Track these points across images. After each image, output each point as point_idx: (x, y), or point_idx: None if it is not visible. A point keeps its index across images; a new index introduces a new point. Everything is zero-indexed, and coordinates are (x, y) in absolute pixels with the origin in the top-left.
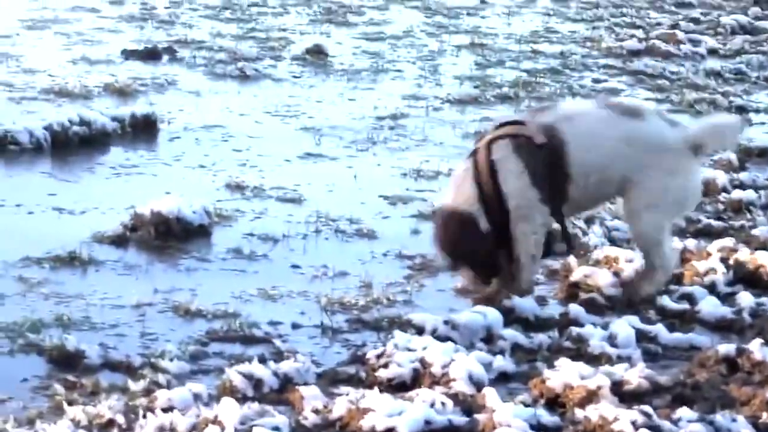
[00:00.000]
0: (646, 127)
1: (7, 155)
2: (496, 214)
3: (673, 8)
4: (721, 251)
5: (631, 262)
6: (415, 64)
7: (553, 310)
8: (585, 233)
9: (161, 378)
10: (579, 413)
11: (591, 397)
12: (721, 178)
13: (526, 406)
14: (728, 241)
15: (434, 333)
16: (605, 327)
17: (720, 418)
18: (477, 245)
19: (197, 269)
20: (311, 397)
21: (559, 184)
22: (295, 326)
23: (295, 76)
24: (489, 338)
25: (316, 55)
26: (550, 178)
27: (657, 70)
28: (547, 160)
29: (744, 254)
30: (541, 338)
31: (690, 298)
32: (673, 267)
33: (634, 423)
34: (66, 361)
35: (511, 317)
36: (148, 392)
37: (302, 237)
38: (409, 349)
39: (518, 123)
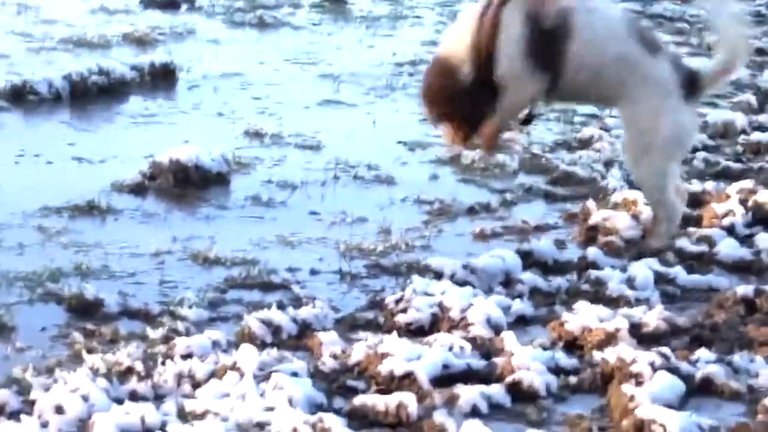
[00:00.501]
0: (650, 64)
1: (27, 105)
2: (483, 71)
3: None
4: (739, 193)
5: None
6: (434, 10)
7: (572, 253)
8: (603, 176)
9: (180, 325)
10: (597, 356)
11: (609, 339)
12: (740, 120)
13: (545, 349)
14: (747, 183)
15: (452, 277)
16: (624, 270)
17: (738, 358)
18: (456, 97)
19: (216, 217)
20: (330, 342)
21: (550, 70)
22: (314, 272)
23: (313, 24)
24: (507, 282)
25: (335, 2)
26: (545, 59)
27: (677, 13)
28: (550, 40)
29: (763, 196)
30: (559, 281)
31: (708, 240)
32: (679, 215)
33: (652, 364)
34: (85, 310)
35: (529, 261)
36: (166, 340)
37: (321, 184)
38: (428, 294)
39: None
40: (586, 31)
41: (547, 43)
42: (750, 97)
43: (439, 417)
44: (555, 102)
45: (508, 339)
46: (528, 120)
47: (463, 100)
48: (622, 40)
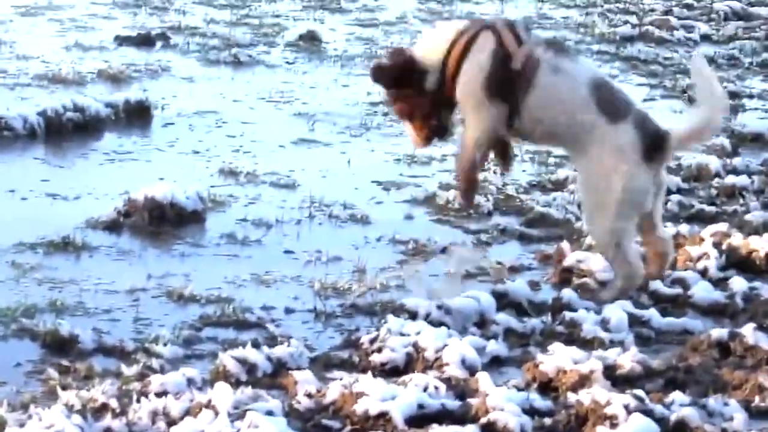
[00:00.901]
0: (609, 129)
1: (1, 141)
2: (447, 87)
3: None
4: (714, 236)
5: None
6: None
7: (546, 294)
8: (578, 218)
9: (155, 363)
10: (572, 397)
11: (584, 381)
12: (714, 163)
13: (519, 390)
14: (721, 226)
15: (427, 318)
16: (598, 311)
17: (712, 401)
18: (418, 99)
19: (191, 254)
20: (305, 381)
21: (508, 107)
22: (289, 311)
23: (288, 62)
24: (482, 323)
25: (310, 41)
26: (503, 96)
27: (650, 56)
28: (511, 83)
29: (737, 239)
30: (534, 323)
31: (683, 283)
32: (638, 274)
33: (626, 407)
34: (60, 346)
35: (504, 302)
36: (141, 377)
37: (296, 222)
38: (403, 334)
39: (518, 38)
40: (545, 90)
41: (508, 85)
42: (724, 141)
43: None
44: (518, 140)
45: (483, 380)
46: (506, 161)
47: (423, 105)
48: (581, 106)
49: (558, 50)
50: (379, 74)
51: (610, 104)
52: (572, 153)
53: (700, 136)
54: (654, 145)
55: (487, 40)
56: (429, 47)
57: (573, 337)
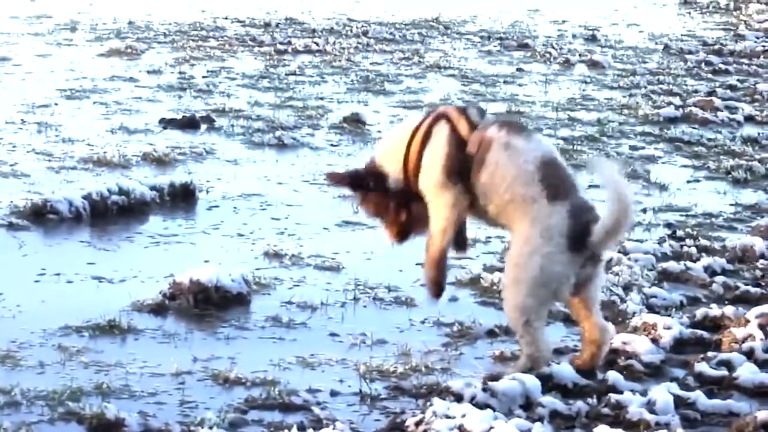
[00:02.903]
0: (543, 208)
1: (47, 224)
2: (411, 182)
3: (709, 75)
4: (759, 317)
5: (669, 329)
6: None
7: (592, 377)
8: (623, 300)
9: None
10: None
11: None
12: (759, 244)
13: None
14: (766, 308)
15: (473, 400)
16: (644, 394)
17: None
18: (382, 203)
19: (236, 337)
20: None
21: (465, 193)
22: (334, 394)
23: (332, 145)
24: (528, 405)
25: (354, 123)
26: (462, 179)
27: (694, 137)
28: (467, 165)
29: None
30: (579, 405)
31: (728, 365)
32: (544, 358)
33: None
34: (106, 430)
35: (549, 384)
36: None
37: (340, 305)
38: (448, 417)
39: (471, 123)
40: (495, 167)
41: (465, 168)
42: None
43: None
44: (484, 222)
45: None
46: (461, 244)
47: (389, 204)
48: (526, 181)
49: (512, 129)
50: (332, 180)
51: (554, 183)
52: (512, 229)
53: (613, 237)
54: (581, 234)
55: (442, 129)
56: (387, 150)
57: (619, 419)
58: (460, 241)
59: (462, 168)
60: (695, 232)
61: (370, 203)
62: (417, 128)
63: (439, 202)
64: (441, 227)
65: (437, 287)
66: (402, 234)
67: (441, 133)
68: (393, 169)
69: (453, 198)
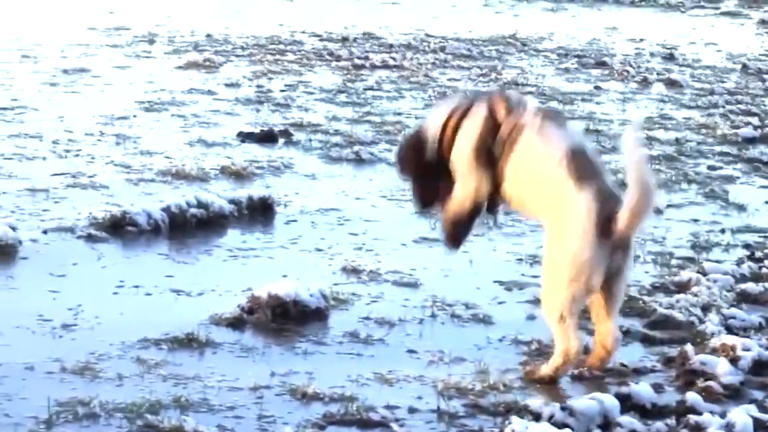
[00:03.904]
0: (572, 194)
1: (126, 236)
2: (442, 157)
3: None
4: None
5: (748, 350)
6: None
7: (670, 397)
8: (701, 321)
9: None
10: None
11: None
12: None
13: None
14: None
15: (551, 419)
16: (723, 415)
17: None
18: (420, 165)
19: (314, 352)
20: None
21: (493, 178)
22: (412, 410)
23: None
24: (606, 425)
25: None
26: (492, 169)
27: None
28: (496, 146)
29: None
30: (658, 426)
31: None
32: (575, 354)
33: None
34: None
35: (627, 404)
36: None
37: (418, 321)
38: None
39: (509, 109)
40: (524, 152)
41: (495, 149)
42: None
43: None
44: (510, 206)
45: None
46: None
47: (425, 169)
48: (553, 169)
49: (546, 116)
50: (401, 157)
51: (581, 171)
52: (542, 220)
53: (636, 220)
54: (608, 218)
55: (479, 110)
56: (433, 121)
57: None
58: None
59: (492, 150)
60: None
61: (409, 162)
62: (456, 107)
63: (465, 177)
64: (461, 198)
65: (452, 241)
66: (425, 203)
67: (478, 114)
68: (432, 140)
69: (478, 180)
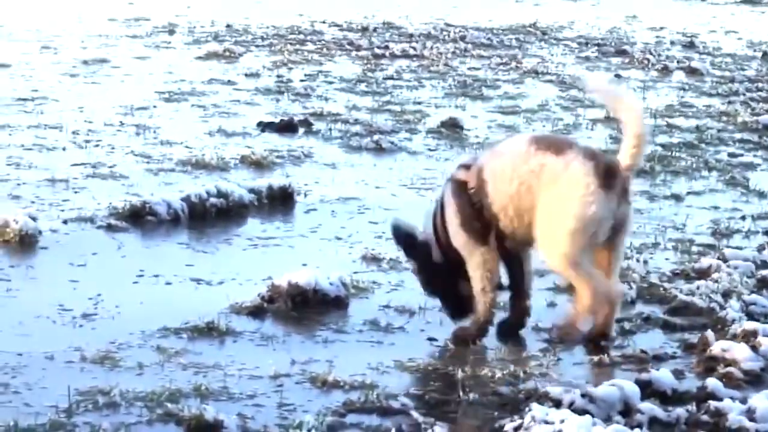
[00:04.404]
0: (557, 162)
1: (146, 226)
2: (444, 248)
3: None
4: None
5: None
6: None
7: (691, 383)
8: (722, 307)
9: None
10: None
11: None
12: None
13: None
14: None
15: (571, 406)
16: (743, 401)
17: None
18: (429, 275)
19: (334, 341)
20: None
21: (489, 222)
22: (432, 398)
23: (430, 149)
24: (626, 411)
25: (451, 128)
26: (480, 217)
27: None
28: (474, 200)
29: None
30: (678, 412)
31: None
32: (610, 287)
33: None
34: (204, 431)
35: (648, 390)
36: None
37: (438, 309)
38: (547, 422)
39: (466, 166)
40: (494, 178)
41: (476, 204)
42: None
43: None
44: (526, 248)
45: None
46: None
47: (435, 279)
48: (524, 158)
49: (495, 145)
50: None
51: (551, 143)
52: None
53: (638, 150)
54: (606, 170)
55: (447, 189)
56: (427, 221)
57: (718, 426)
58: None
59: (474, 211)
60: None
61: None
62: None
63: (470, 261)
64: (478, 288)
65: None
66: (458, 311)
67: (447, 190)
68: (432, 242)
69: (479, 253)
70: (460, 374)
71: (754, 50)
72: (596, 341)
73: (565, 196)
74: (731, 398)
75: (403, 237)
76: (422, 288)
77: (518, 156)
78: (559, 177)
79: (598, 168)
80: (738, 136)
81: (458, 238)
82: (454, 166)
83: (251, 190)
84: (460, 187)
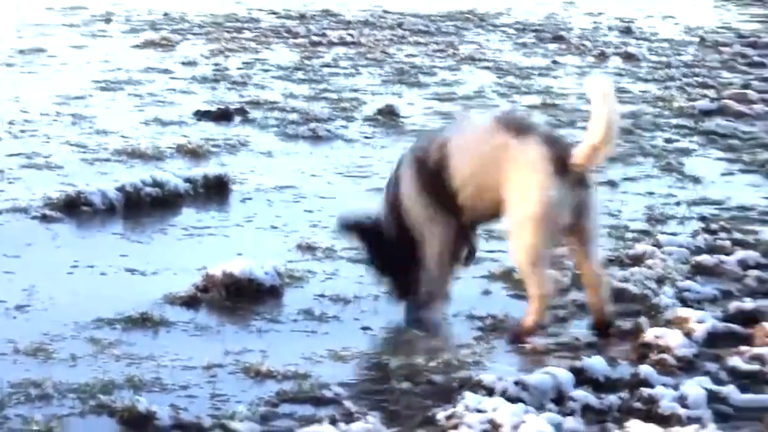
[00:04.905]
0: (517, 144)
1: (81, 216)
2: (400, 222)
3: (744, 68)
4: None
5: (702, 323)
6: None
7: (624, 370)
8: (656, 294)
9: None
10: None
11: None
12: None
13: None
14: None
15: (504, 394)
16: (676, 388)
17: None
18: (378, 252)
19: (268, 330)
20: None
21: (450, 197)
22: (366, 387)
23: (366, 137)
24: (559, 399)
25: (388, 115)
26: (442, 191)
27: (729, 130)
28: (438, 174)
29: None
30: (611, 399)
31: (761, 359)
32: (553, 294)
33: None
34: (137, 423)
35: (581, 378)
36: None
37: (373, 298)
38: (480, 410)
39: (427, 139)
40: (459, 152)
41: (436, 176)
42: None
43: None
44: (481, 223)
45: None
46: (469, 257)
47: (386, 256)
48: (490, 134)
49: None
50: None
51: (515, 124)
52: (499, 186)
53: (598, 151)
54: (560, 156)
55: (405, 162)
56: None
57: (651, 413)
58: (468, 255)
59: (436, 182)
60: (729, 226)
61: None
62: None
63: (427, 232)
64: (433, 258)
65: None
66: (404, 290)
67: (406, 169)
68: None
69: (438, 225)
70: (393, 363)
71: (691, 35)
72: (601, 330)
73: (525, 182)
74: (664, 385)
75: (352, 226)
76: (369, 267)
77: (482, 133)
78: (518, 159)
79: (552, 153)
80: (674, 121)
81: (414, 209)
82: (414, 141)
83: (187, 180)
84: (423, 161)
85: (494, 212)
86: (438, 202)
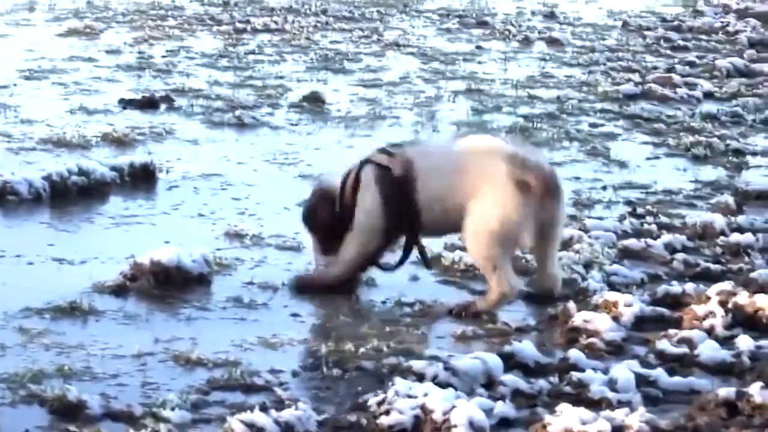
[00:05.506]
0: (483, 164)
1: (6, 206)
2: (345, 212)
3: (668, 52)
4: (719, 295)
5: (630, 306)
6: (412, 111)
7: (553, 355)
8: (584, 278)
9: (162, 428)
10: None
11: None
12: (719, 221)
13: None
14: (727, 285)
15: (434, 379)
16: (605, 372)
17: None
18: (325, 218)
19: (197, 318)
20: None
21: (412, 213)
22: (296, 374)
23: (292, 124)
24: (489, 384)
25: (313, 102)
26: (404, 206)
27: (653, 113)
28: (401, 191)
29: (743, 297)
30: (541, 383)
31: (689, 342)
32: (518, 290)
33: None
34: (67, 412)
35: (511, 363)
36: None
37: None
38: (410, 396)
39: (389, 153)
40: (425, 171)
41: (400, 194)
42: (728, 198)
43: None
44: (436, 236)
45: None
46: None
47: (327, 225)
48: (455, 153)
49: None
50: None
51: (481, 145)
52: (463, 207)
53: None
54: (524, 174)
55: (368, 172)
56: (335, 184)
57: (580, 397)
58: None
59: (398, 197)
60: (655, 210)
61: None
62: (347, 177)
63: (361, 237)
64: (350, 258)
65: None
66: (327, 251)
67: (369, 179)
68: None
69: (375, 240)
70: (323, 350)
71: (614, 19)
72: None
73: (488, 200)
74: (593, 369)
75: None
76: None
77: (451, 152)
78: (484, 180)
79: (516, 172)
80: (599, 106)
81: (367, 219)
82: (372, 149)
83: (113, 168)
84: (386, 175)
85: (455, 229)
86: (397, 218)
